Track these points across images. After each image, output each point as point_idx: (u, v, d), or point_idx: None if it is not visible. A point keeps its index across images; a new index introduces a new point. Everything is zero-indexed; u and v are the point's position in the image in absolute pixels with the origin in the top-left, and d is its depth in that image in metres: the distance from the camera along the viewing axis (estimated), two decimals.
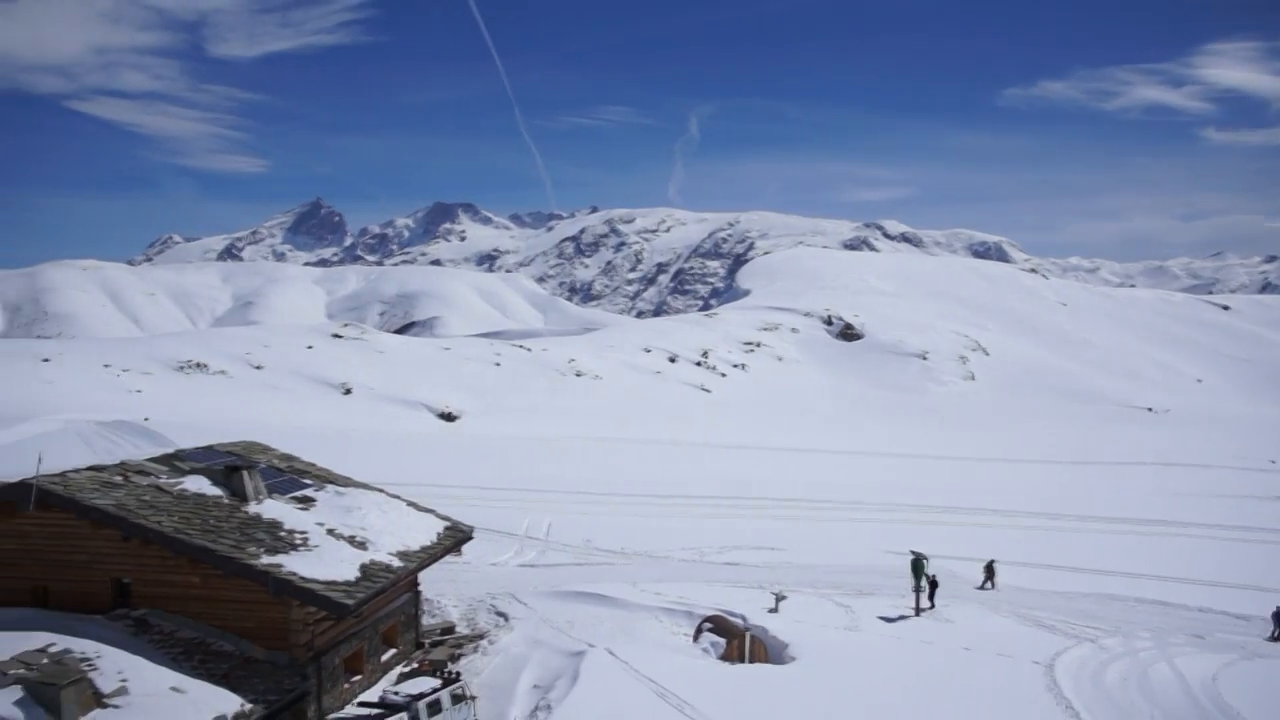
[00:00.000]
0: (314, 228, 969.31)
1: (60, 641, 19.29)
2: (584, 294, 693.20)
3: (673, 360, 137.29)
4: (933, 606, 32.41)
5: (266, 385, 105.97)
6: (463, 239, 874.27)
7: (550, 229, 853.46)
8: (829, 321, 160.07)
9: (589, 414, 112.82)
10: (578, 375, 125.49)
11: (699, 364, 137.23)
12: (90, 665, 18.63)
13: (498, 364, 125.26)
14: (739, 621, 28.96)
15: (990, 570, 36.78)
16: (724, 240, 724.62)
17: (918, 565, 32.56)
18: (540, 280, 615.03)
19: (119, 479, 22.83)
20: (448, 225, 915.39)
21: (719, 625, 28.28)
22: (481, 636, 27.94)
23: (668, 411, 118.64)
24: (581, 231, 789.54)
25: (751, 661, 26.87)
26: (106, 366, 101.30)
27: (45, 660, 18.57)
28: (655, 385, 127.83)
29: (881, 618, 31.14)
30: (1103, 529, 52.11)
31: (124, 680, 18.57)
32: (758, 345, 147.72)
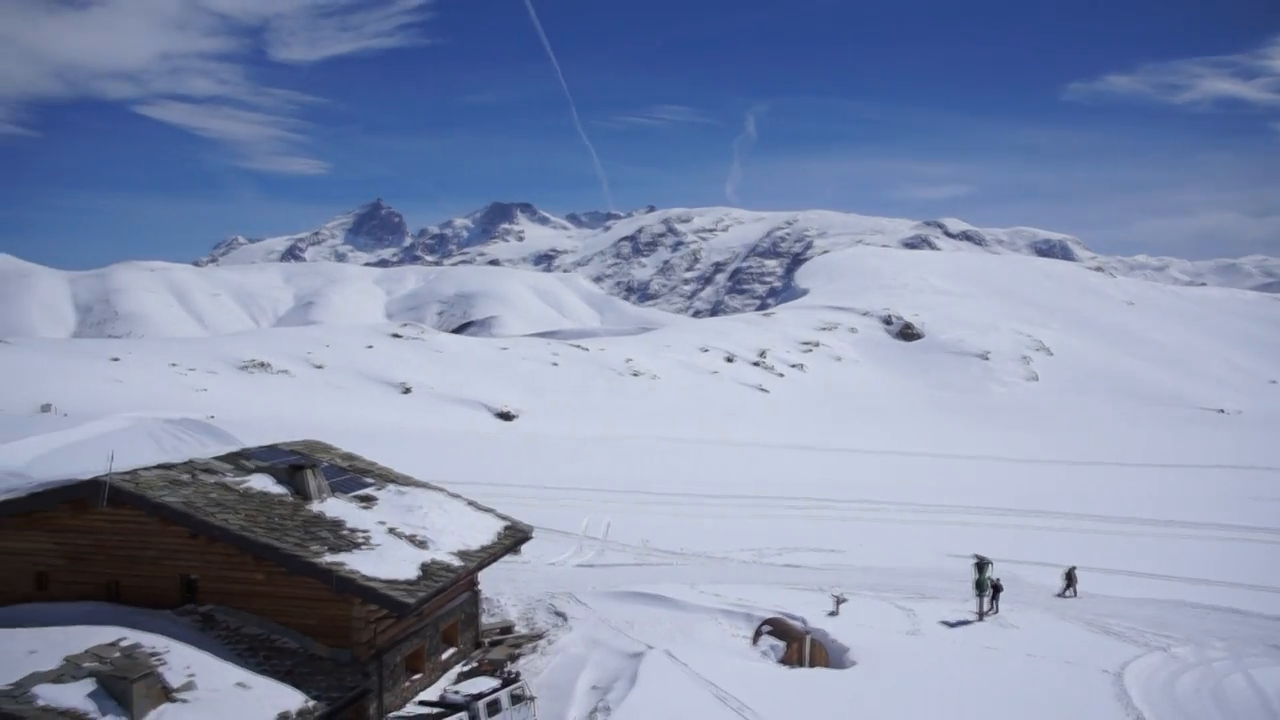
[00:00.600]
0: (374, 228, 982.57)
1: (131, 636, 19.63)
2: (641, 293, 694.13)
3: (730, 360, 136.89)
4: (996, 611, 31.83)
5: (327, 384, 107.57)
6: (520, 239, 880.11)
7: (607, 229, 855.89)
8: (888, 321, 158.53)
9: (646, 414, 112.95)
10: (635, 375, 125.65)
11: (756, 364, 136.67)
12: (159, 660, 18.94)
13: (555, 364, 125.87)
14: (799, 624, 28.68)
15: (1071, 577, 35.71)
16: (782, 239, 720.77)
17: (981, 569, 31.99)
18: (597, 280, 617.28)
19: (186, 477, 23.22)
20: (505, 225, 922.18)
21: (778, 628, 28.03)
22: (540, 636, 27.99)
23: (725, 411, 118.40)
24: (639, 231, 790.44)
25: (811, 665, 26.60)
26: (173, 365, 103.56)
27: (117, 654, 18.92)
28: (712, 385, 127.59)
29: (944, 622, 30.65)
30: (1173, 533, 50.86)
31: (191, 675, 18.85)
32: (816, 345, 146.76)
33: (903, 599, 33.38)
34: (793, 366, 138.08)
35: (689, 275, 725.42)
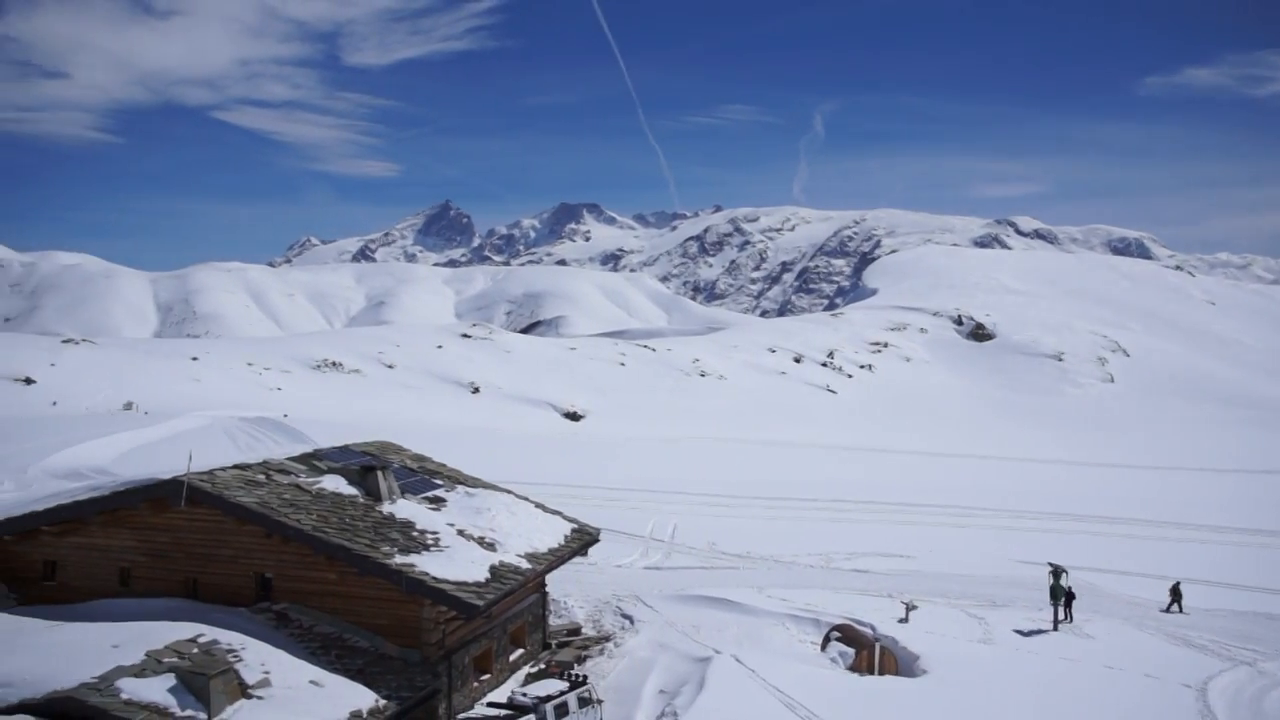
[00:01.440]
0: (443, 229, 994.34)
1: (209, 632, 20.06)
2: (708, 293, 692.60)
3: (798, 361, 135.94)
4: (1071, 621, 31.13)
5: (398, 384, 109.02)
6: (587, 239, 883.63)
7: (674, 228, 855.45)
8: (959, 321, 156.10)
9: (713, 414, 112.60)
10: (702, 375, 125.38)
11: (824, 364, 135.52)
12: (236, 656, 19.32)
13: (622, 364, 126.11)
14: (868, 631, 28.35)
15: (1176, 593, 34.28)
16: (849, 238, 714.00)
17: (1056, 577, 31.30)
18: (664, 280, 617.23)
19: (262, 477, 23.65)
20: (573, 225, 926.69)
21: (847, 634, 27.73)
22: (607, 639, 28.04)
23: (792, 412, 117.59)
24: (705, 231, 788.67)
25: (881, 673, 26.26)
26: (249, 365, 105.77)
27: (195, 650, 19.34)
28: (780, 386, 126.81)
29: (1017, 631, 30.06)
30: (1256, 542, 49.33)
31: (266, 672, 19.19)
32: (885, 346, 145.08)
33: (974, 606, 32.82)
34: (861, 367, 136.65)
35: (756, 275, 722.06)
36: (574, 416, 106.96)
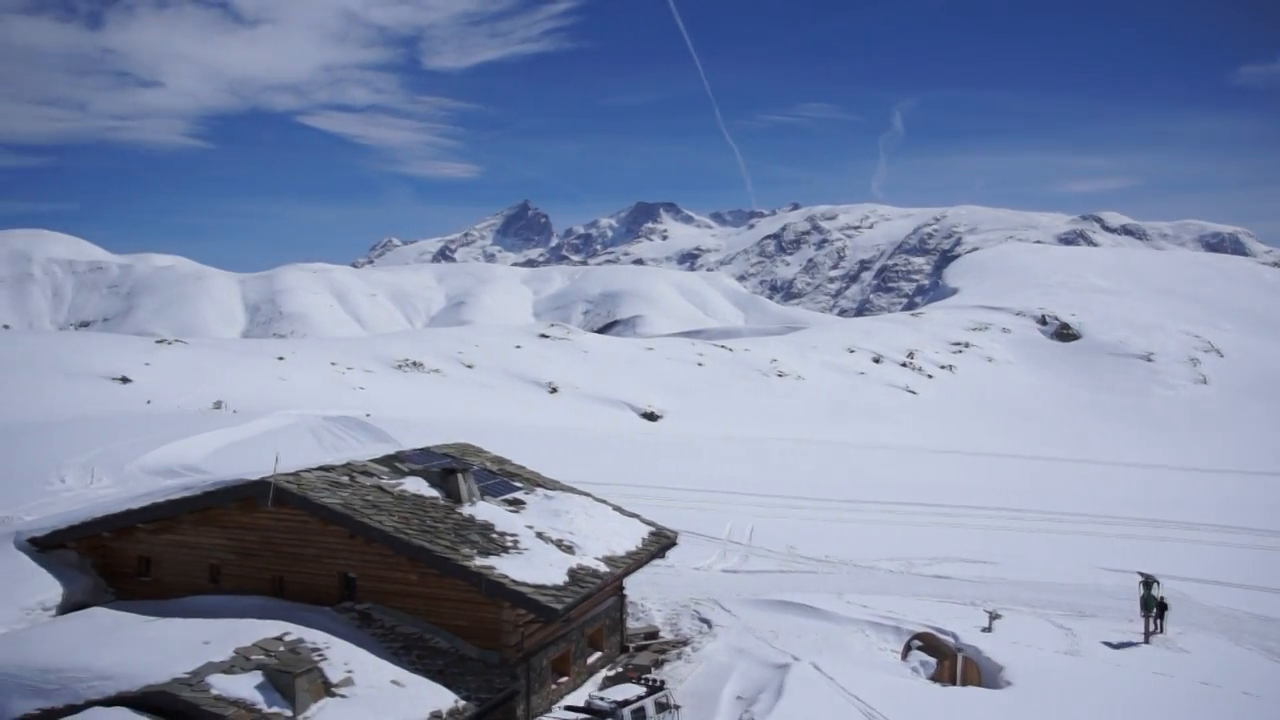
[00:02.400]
0: (521, 229, 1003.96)
1: (295, 631, 20.48)
2: (785, 292, 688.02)
3: (877, 361, 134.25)
4: (1163, 633, 30.15)
5: (477, 383, 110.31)
6: (664, 238, 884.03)
7: (751, 227, 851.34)
8: (1044, 321, 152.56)
9: (791, 415, 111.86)
10: (779, 376, 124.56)
11: (904, 365, 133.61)
12: (320, 655, 19.70)
13: (700, 364, 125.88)
14: (950, 640, 27.81)
15: None
16: (930, 236, 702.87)
17: (1148, 587, 30.32)
18: (741, 278, 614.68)
19: (346, 479, 24.07)
20: (650, 225, 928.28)
21: (929, 643, 27.24)
22: (685, 643, 27.96)
23: (872, 413, 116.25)
24: (783, 229, 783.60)
25: (964, 684, 25.73)
26: (333, 364, 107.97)
27: (282, 648, 19.77)
28: (859, 386, 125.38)
29: (1106, 643, 29.20)
30: None
31: (350, 671, 19.53)
32: (966, 346, 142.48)
33: (1061, 616, 31.99)
34: (942, 368, 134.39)
35: (834, 274, 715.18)
36: (651, 417, 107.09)
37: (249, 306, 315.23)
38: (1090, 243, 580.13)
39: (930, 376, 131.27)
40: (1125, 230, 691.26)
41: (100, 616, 21.91)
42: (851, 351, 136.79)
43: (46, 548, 24.42)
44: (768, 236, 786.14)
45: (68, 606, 23.17)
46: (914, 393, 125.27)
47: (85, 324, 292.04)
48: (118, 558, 24.56)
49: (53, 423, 68.12)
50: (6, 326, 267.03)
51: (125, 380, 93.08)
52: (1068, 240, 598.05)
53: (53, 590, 23.30)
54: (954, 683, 25.73)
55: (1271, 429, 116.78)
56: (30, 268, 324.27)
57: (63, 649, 19.54)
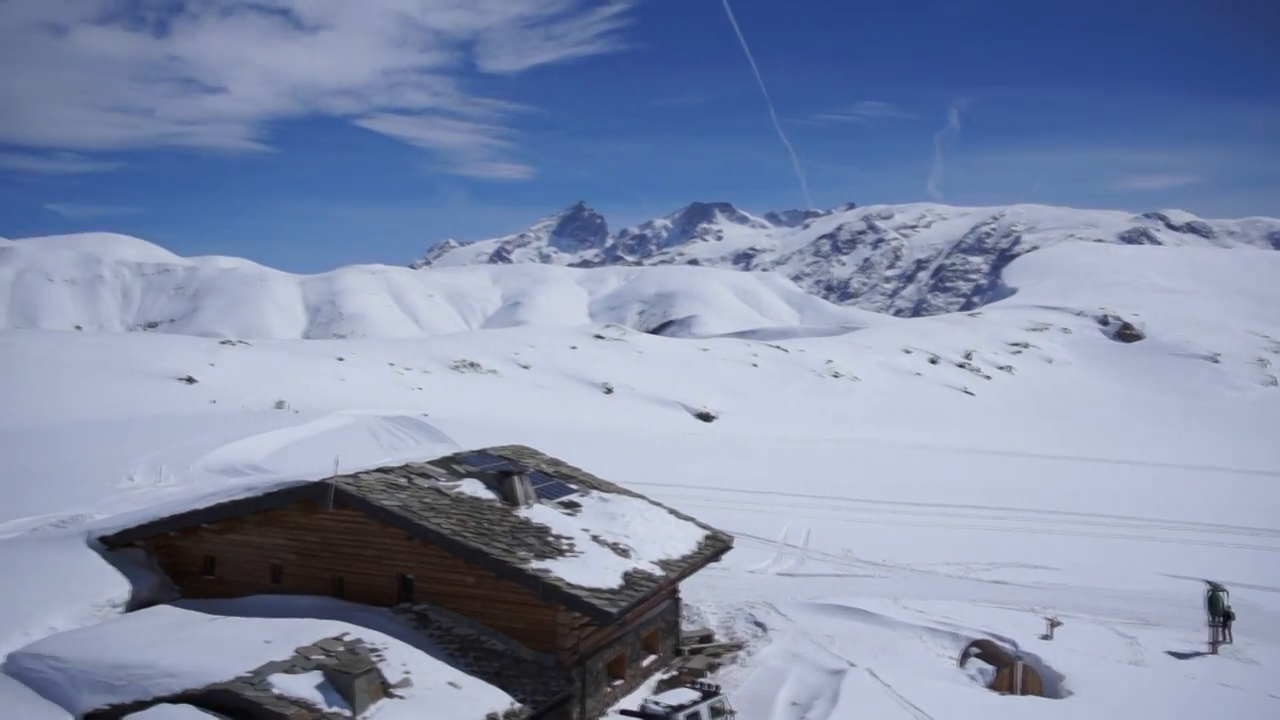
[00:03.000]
0: (577, 230, 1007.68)
1: (354, 631, 20.80)
2: (840, 292, 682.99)
3: (934, 362, 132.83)
4: (1230, 643, 29.45)
5: (533, 384, 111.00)
6: (719, 238, 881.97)
7: (806, 226, 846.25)
8: (1105, 321, 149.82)
9: (847, 416, 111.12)
10: (835, 376, 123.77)
11: (962, 366, 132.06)
12: (379, 656, 19.98)
13: (755, 364, 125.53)
14: (1009, 647, 27.44)
15: None
16: (987, 235, 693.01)
17: (1215, 595, 29.63)
18: (796, 278, 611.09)
19: (403, 481, 24.38)
20: (704, 225, 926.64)
21: (987, 650, 26.91)
22: (740, 647, 27.92)
23: (929, 415, 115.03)
24: (838, 229, 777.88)
25: (1023, 693, 25.38)
26: (391, 365, 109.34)
27: (341, 648, 20.08)
28: (915, 387, 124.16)
29: (1171, 653, 28.60)
30: None
31: (407, 672, 19.79)
32: (1025, 346, 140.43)
33: (1123, 624, 31.40)
34: (1000, 369, 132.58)
35: (890, 273, 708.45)
36: (706, 417, 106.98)
37: (309, 307, 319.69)
38: (1153, 241, 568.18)
39: (988, 378, 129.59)
40: (1190, 228, 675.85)
41: (166, 614, 22.43)
42: (908, 352, 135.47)
43: (116, 546, 25.05)
44: (823, 236, 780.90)
45: (136, 604, 23.75)
46: (971, 394, 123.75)
47: (153, 325, 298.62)
48: (183, 556, 25.12)
49: (122, 421, 69.83)
50: (79, 327, 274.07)
51: (191, 380, 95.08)
52: (1129, 239, 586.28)
53: (122, 588, 23.88)
54: (1013, 691, 25.39)
55: None
56: (101, 270, 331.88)
57: (131, 646, 20.04)
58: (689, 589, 31.05)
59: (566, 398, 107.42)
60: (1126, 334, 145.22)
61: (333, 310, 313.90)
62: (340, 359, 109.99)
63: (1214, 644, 29.30)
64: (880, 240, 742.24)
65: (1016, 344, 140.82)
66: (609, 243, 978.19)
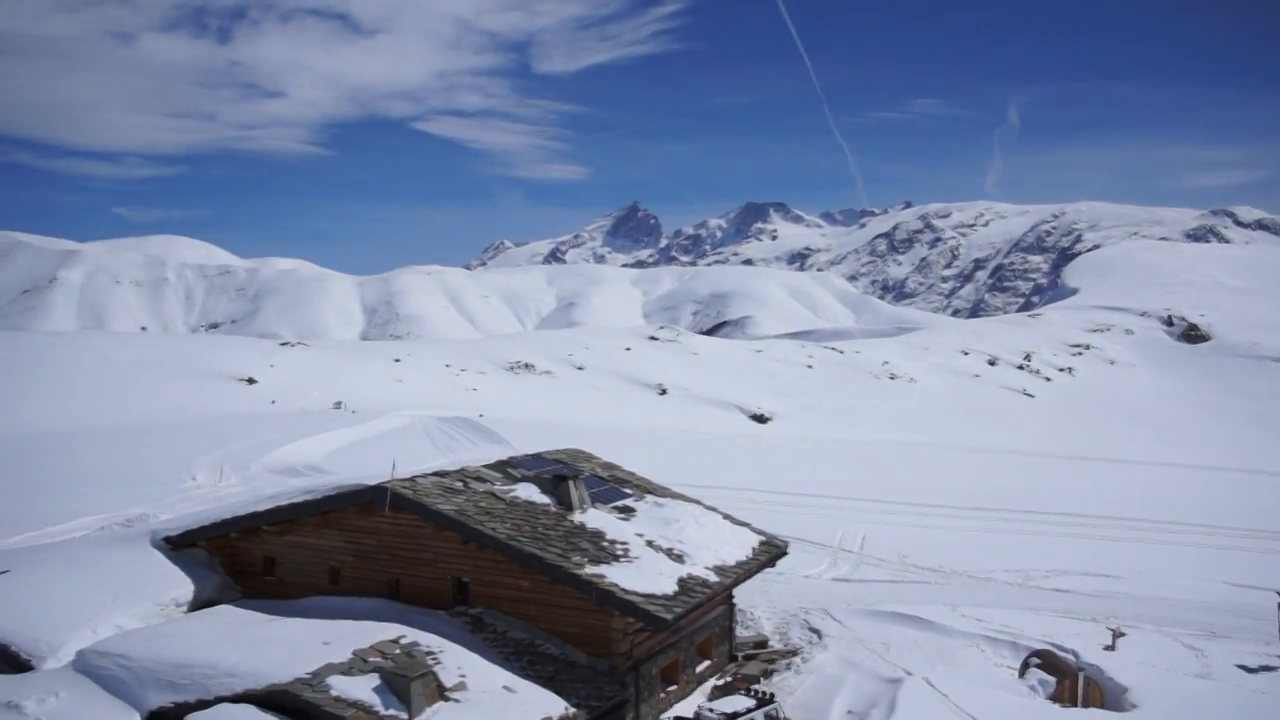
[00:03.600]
0: (631, 230, 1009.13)
1: (410, 634, 20.97)
2: (897, 292, 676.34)
3: (992, 363, 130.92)
4: None
5: (588, 385, 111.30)
6: (774, 238, 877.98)
7: (862, 226, 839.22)
8: (1170, 322, 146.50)
9: (902, 418, 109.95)
10: (891, 378, 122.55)
11: (1021, 367, 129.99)
12: (435, 659, 20.12)
13: (810, 366, 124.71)
14: (1070, 658, 26.90)
15: None
16: (1048, 233, 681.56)
17: None
18: (852, 278, 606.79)
19: (459, 485, 24.54)
20: (759, 225, 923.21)
21: (1048, 661, 26.39)
22: (795, 653, 27.72)
23: (987, 417, 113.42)
24: (894, 228, 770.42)
25: (1085, 706, 24.86)
26: (447, 366, 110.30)
27: (398, 651, 20.26)
28: (973, 389, 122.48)
29: (1241, 666, 27.82)
30: None
31: (463, 676, 19.90)
32: (1087, 348, 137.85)
33: (1190, 635, 30.64)
34: (1061, 370, 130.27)
35: (947, 273, 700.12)
36: (761, 419, 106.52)
37: (366, 308, 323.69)
38: (1221, 239, 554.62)
39: (1048, 379, 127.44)
40: (1260, 225, 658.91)
41: (228, 614, 22.83)
42: (965, 353, 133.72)
43: (179, 546, 25.54)
44: (879, 236, 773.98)
45: (198, 604, 24.19)
46: (1031, 396, 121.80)
47: (214, 325, 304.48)
48: (245, 557, 25.53)
49: (185, 422, 71.29)
50: (144, 328, 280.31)
51: (251, 381, 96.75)
52: (1196, 236, 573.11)
53: (185, 587, 24.34)
54: (1075, 704, 24.86)
55: None
56: (165, 272, 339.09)
57: (193, 645, 20.41)
58: (743, 594, 30.88)
59: (620, 399, 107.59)
60: (1192, 335, 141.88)
61: (389, 311, 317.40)
62: (397, 360, 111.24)
63: None
64: (937, 239, 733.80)
65: (1077, 345, 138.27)
66: (663, 243, 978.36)
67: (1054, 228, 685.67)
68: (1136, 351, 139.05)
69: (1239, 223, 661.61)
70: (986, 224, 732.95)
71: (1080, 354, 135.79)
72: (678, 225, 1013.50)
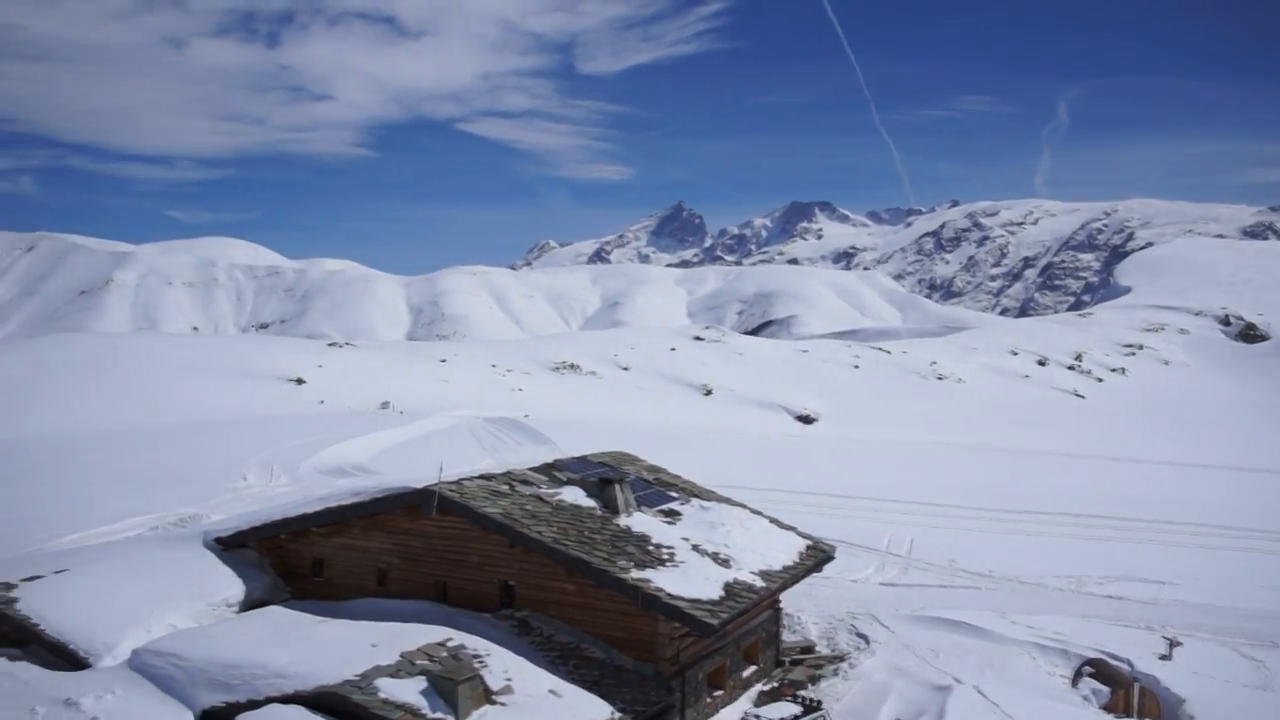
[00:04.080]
0: (675, 230, 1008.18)
1: (457, 637, 21.04)
2: (944, 291, 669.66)
3: (1042, 364, 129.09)
4: None
5: (632, 385, 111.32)
6: (819, 237, 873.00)
7: (909, 225, 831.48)
8: (1226, 321, 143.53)
9: (950, 419, 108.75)
10: (939, 379, 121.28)
11: (1071, 368, 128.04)
12: (481, 662, 20.16)
13: (856, 366, 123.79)
14: (1125, 667, 26.40)
15: None
16: (1099, 231, 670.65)
17: None
18: (898, 277, 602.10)
19: (505, 488, 24.60)
20: (804, 224, 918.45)
21: (1101, 670, 25.93)
22: (842, 659, 27.45)
23: (1037, 418, 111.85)
24: (941, 226, 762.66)
25: (1141, 718, 24.38)
26: (493, 366, 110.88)
27: (445, 654, 20.33)
28: (1023, 390, 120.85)
29: None
30: None
31: (509, 679, 19.91)
32: (1140, 348, 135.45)
33: (1249, 645, 29.93)
34: (1113, 371, 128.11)
35: (995, 271, 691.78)
36: (806, 420, 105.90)
37: (412, 308, 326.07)
38: (1279, 236, 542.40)
39: (1100, 380, 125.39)
40: None
41: (277, 615, 23.06)
42: (1014, 354, 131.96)
43: (230, 547, 25.87)
44: (926, 234, 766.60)
45: (249, 604, 24.46)
46: (1082, 397, 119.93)
47: (264, 326, 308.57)
48: (294, 558, 25.79)
49: (236, 422, 72.28)
50: (195, 329, 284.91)
51: (300, 381, 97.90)
52: (1253, 234, 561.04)
53: (236, 588, 24.64)
54: (1129, 715, 24.41)
55: None
56: (215, 273, 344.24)
57: (244, 645, 20.65)
58: (790, 598, 30.67)
59: (665, 399, 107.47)
60: (1250, 334, 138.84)
61: (435, 311, 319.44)
62: (443, 360, 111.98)
63: None
64: (985, 238, 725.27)
65: (1130, 345, 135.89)
66: (708, 242, 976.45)
67: (1105, 225, 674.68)
68: (1191, 351, 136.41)
69: None
70: (1036, 222, 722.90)
71: (1133, 354, 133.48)
72: (722, 225, 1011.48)
